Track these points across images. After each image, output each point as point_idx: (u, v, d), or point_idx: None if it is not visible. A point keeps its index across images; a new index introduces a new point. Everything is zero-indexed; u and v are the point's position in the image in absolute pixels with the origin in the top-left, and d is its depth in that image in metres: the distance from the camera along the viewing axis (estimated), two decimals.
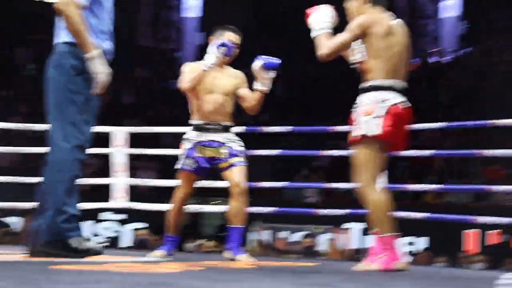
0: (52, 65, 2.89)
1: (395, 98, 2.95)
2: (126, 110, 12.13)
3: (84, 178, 3.46)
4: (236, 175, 3.55)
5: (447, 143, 8.99)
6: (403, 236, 7.32)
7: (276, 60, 3.57)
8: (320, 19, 3.01)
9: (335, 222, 6.77)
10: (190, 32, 16.12)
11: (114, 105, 10.80)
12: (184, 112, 3.79)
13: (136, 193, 7.79)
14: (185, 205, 3.73)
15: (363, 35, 2.96)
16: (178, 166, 3.68)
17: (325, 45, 2.96)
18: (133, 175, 8.27)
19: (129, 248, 7.76)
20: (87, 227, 7.88)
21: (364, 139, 2.91)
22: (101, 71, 2.84)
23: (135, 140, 6.50)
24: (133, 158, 8.86)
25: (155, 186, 6.04)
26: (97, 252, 2.81)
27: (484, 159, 8.42)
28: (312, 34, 3.01)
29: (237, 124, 3.88)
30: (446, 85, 12.21)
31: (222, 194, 8.48)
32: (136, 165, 9.37)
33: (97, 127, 3.08)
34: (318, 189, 8.07)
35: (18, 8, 14.84)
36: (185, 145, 3.66)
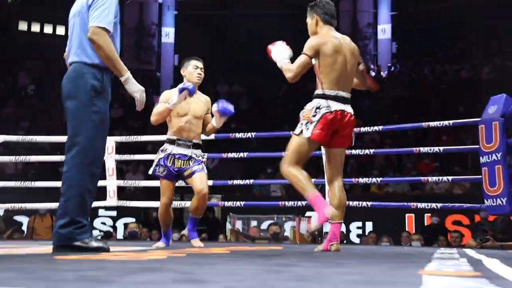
0: (72, 84, 2.62)
1: (333, 106, 3.02)
2: (115, 123, 11.94)
3: None
4: (198, 182, 3.62)
5: (386, 143, 9.08)
6: (353, 221, 7.41)
7: (230, 108, 3.63)
8: (279, 52, 3.13)
9: (297, 212, 6.76)
10: (167, 55, 16.10)
11: None
12: (163, 124, 3.80)
13: (125, 193, 7.70)
14: (170, 207, 3.71)
15: (315, 54, 3.05)
16: (150, 171, 3.73)
17: (289, 69, 3.05)
18: (123, 177, 8.17)
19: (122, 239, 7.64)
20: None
21: (300, 135, 3.03)
22: (138, 89, 2.67)
23: (124, 148, 6.41)
24: (123, 163, 8.77)
25: (142, 186, 5.96)
26: (105, 250, 2.54)
27: (418, 156, 8.55)
28: (278, 65, 3.11)
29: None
30: (383, 96, 12.36)
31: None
32: (127, 169, 9.24)
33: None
34: (282, 184, 8.05)
35: (17, 39, 14.62)
36: (160, 155, 3.70)
